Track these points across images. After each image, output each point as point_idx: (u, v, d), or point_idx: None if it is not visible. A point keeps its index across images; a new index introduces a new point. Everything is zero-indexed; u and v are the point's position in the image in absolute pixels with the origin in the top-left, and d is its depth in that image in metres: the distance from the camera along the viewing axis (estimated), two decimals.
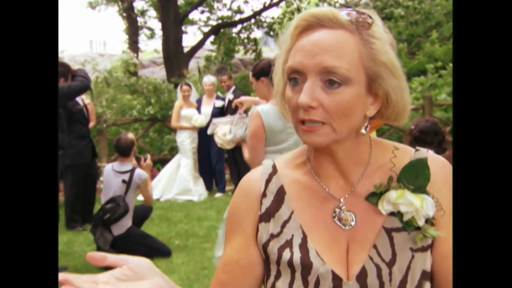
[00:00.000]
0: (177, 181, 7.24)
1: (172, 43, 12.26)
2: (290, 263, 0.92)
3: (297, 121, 0.88)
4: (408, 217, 0.90)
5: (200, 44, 13.58)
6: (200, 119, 7.12)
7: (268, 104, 2.90)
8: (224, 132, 3.18)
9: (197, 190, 7.24)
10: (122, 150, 4.56)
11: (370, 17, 0.89)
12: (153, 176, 7.09)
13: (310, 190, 0.97)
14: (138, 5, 17.11)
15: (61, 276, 0.68)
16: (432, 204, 0.90)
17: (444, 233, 0.90)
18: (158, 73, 15.27)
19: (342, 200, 0.95)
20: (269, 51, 16.36)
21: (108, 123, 8.35)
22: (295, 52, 0.88)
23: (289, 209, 0.96)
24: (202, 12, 15.08)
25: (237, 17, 14.44)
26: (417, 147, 0.99)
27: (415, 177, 0.92)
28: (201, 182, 7.40)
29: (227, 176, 7.79)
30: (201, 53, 15.01)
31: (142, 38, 17.37)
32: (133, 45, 15.69)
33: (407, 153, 0.97)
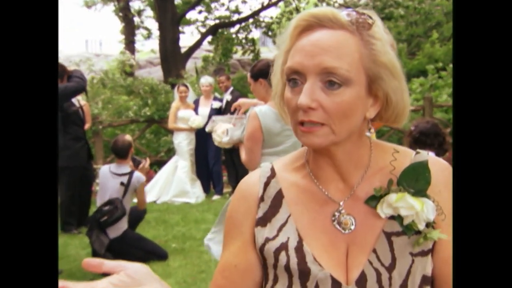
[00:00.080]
0: (174, 183, 7.23)
1: (169, 43, 12.27)
2: (287, 267, 0.92)
3: (296, 122, 0.88)
4: (408, 221, 0.90)
5: (198, 44, 13.59)
6: (197, 120, 7.12)
7: (266, 105, 2.90)
8: (223, 130, 3.18)
9: (194, 192, 7.24)
10: (119, 152, 4.56)
11: (370, 17, 0.89)
12: (149, 178, 7.09)
13: (309, 193, 0.97)
14: (135, 4, 17.11)
15: (60, 283, 0.68)
16: (432, 207, 0.90)
17: (445, 237, 0.90)
18: (155, 74, 15.26)
19: (341, 203, 0.94)
20: (268, 51, 16.38)
21: (104, 124, 8.35)
22: (295, 52, 0.88)
23: (286, 213, 0.96)
24: (200, 12, 15.08)
25: (235, 17, 14.45)
26: (418, 150, 0.99)
27: (415, 180, 0.91)
28: (198, 184, 7.39)
29: (224, 178, 7.79)
30: (199, 53, 15.01)
31: (139, 38, 17.38)
32: (130, 45, 15.69)
33: (407, 156, 0.97)
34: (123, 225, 4.46)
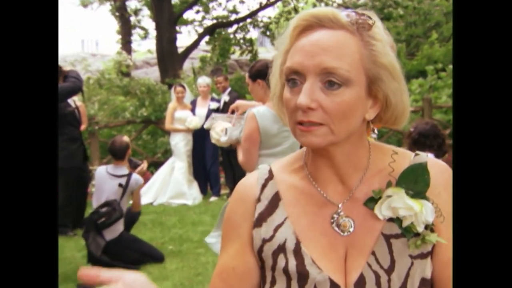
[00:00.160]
0: (171, 184, 7.22)
1: (166, 43, 12.26)
2: (286, 270, 0.92)
3: (295, 122, 0.88)
4: (407, 223, 0.90)
5: (195, 44, 13.59)
6: (194, 121, 7.11)
7: (264, 106, 2.91)
8: (222, 128, 3.17)
9: (192, 194, 7.23)
10: (117, 153, 4.55)
11: (370, 18, 0.89)
12: (146, 180, 7.07)
13: (308, 195, 0.97)
14: (131, 4, 17.11)
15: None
16: (431, 209, 0.90)
17: (444, 239, 0.90)
18: (152, 74, 15.25)
19: (340, 205, 0.95)
20: (265, 51, 16.39)
21: (100, 125, 8.33)
22: (294, 52, 0.88)
23: (283, 214, 0.96)
24: (197, 11, 15.08)
25: (233, 17, 14.45)
26: (417, 152, 0.99)
27: (414, 182, 0.92)
28: (195, 185, 7.39)
29: (222, 180, 7.78)
30: (196, 53, 15.02)
31: (135, 38, 17.37)
32: (126, 45, 15.69)
33: (406, 158, 0.97)
34: (119, 227, 4.45)
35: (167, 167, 7.34)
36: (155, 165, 8.11)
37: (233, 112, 3.31)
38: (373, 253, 0.91)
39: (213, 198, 7.38)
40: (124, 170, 4.52)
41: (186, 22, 15.74)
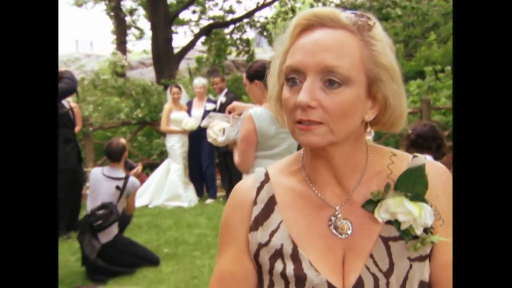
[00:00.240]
0: (166, 186, 7.21)
1: (162, 44, 12.25)
2: (284, 275, 0.92)
3: (294, 122, 0.88)
4: (406, 226, 0.91)
5: (191, 45, 13.57)
6: (190, 123, 7.11)
7: (262, 107, 2.90)
8: (220, 128, 3.16)
9: (187, 196, 7.22)
10: (113, 155, 4.54)
11: (370, 19, 0.90)
12: (141, 182, 7.06)
13: (305, 198, 0.97)
14: (127, 3, 17.08)
15: None
16: (430, 212, 0.91)
17: (443, 241, 0.91)
18: (147, 75, 15.24)
19: (337, 208, 0.95)
20: (262, 52, 16.40)
21: (95, 127, 8.32)
22: (295, 51, 0.89)
23: (278, 219, 0.96)
24: (194, 12, 15.08)
25: (229, 17, 14.46)
26: (415, 154, 1.00)
27: (412, 185, 0.92)
28: (191, 187, 7.38)
29: (218, 182, 7.78)
30: (192, 54, 15.00)
31: (130, 38, 17.34)
32: (121, 45, 15.66)
33: (404, 160, 0.97)
34: (114, 230, 4.44)
35: (163, 169, 7.33)
36: (150, 167, 8.09)
37: (229, 113, 3.31)
38: (371, 256, 0.91)
39: (209, 201, 7.37)
40: (121, 172, 4.52)
41: (182, 22, 15.74)
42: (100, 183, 4.46)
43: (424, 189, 0.92)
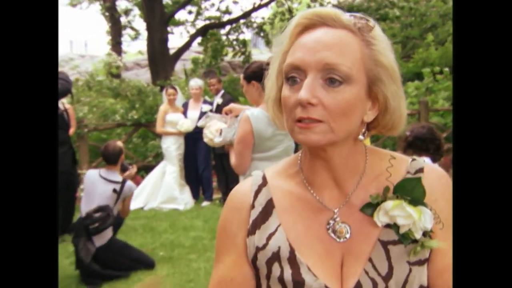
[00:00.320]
0: (162, 189, 7.20)
1: (158, 44, 12.24)
2: (281, 279, 0.92)
3: (293, 120, 0.88)
4: (405, 230, 0.90)
5: (187, 45, 13.58)
6: (186, 124, 7.10)
7: (259, 109, 2.90)
8: (218, 128, 3.16)
9: (183, 199, 7.21)
10: (110, 158, 4.53)
11: (370, 21, 0.91)
12: (137, 184, 7.05)
13: (303, 201, 0.97)
14: (122, 4, 17.08)
15: None
16: (430, 216, 0.90)
17: (443, 246, 0.91)
18: (143, 76, 15.24)
19: (336, 211, 0.95)
20: (259, 53, 16.42)
21: (90, 128, 8.30)
22: (295, 49, 0.89)
23: (276, 222, 0.96)
24: (190, 12, 15.08)
25: (226, 17, 14.46)
26: (414, 157, 1.00)
27: (411, 191, 0.92)
28: (187, 190, 7.37)
29: (214, 184, 7.77)
30: (188, 55, 15.01)
31: (125, 39, 17.33)
32: (116, 46, 15.65)
33: (403, 163, 0.98)
34: (109, 233, 4.43)
35: (158, 171, 7.32)
36: (146, 169, 8.08)
37: (226, 115, 3.30)
38: (370, 260, 0.91)
39: (205, 203, 7.36)
40: (117, 176, 4.51)
41: (178, 23, 15.74)
42: (96, 185, 4.44)
43: (422, 198, 0.92)
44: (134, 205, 6.40)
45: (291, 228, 0.95)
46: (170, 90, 7.32)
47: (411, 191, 0.92)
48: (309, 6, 12.27)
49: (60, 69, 5.78)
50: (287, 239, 0.94)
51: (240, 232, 0.99)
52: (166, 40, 12.59)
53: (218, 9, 14.68)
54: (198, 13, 15.07)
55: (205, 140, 3.25)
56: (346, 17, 0.90)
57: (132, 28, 17.32)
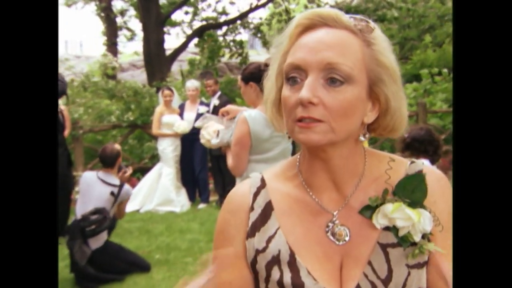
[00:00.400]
0: (158, 191, 7.19)
1: (154, 45, 12.23)
2: (280, 283, 0.92)
3: (293, 120, 0.88)
4: (404, 232, 0.91)
5: (183, 46, 13.57)
6: (182, 126, 7.09)
7: (256, 110, 2.90)
8: (215, 130, 3.15)
9: (180, 201, 7.20)
10: (107, 160, 4.52)
11: (370, 22, 0.91)
12: (132, 186, 7.04)
13: (302, 203, 0.97)
14: (117, 4, 17.08)
15: None
16: (429, 218, 0.91)
17: (440, 248, 0.91)
18: (138, 77, 15.22)
19: (335, 213, 0.95)
20: (256, 54, 16.44)
21: (85, 130, 8.27)
22: (296, 49, 0.89)
23: (275, 225, 0.96)
24: (186, 13, 15.08)
25: (222, 18, 14.47)
26: (413, 159, 1.00)
27: (411, 192, 0.92)
28: (183, 192, 7.36)
29: (211, 186, 7.76)
30: (184, 56, 15.00)
31: (121, 40, 17.32)
32: (112, 47, 15.63)
33: (402, 165, 0.98)
34: (104, 236, 4.42)
35: (154, 173, 7.30)
36: (141, 171, 8.07)
37: (223, 116, 3.30)
38: (370, 263, 0.91)
39: (201, 205, 7.36)
40: (115, 178, 4.50)
41: (174, 24, 15.74)
42: (93, 187, 4.43)
43: (423, 196, 0.92)
44: (130, 207, 6.38)
45: (290, 231, 0.95)
46: (166, 92, 7.31)
47: (412, 190, 0.92)
48: (306, 7, 12.30)
49: None
50: (287, 242, 0.94)
51: (238, 234, 0.98)
52: (162, 41, 12.58)
53: (215, 10, 14.70)
54: (195, 14, 15.09)
55: (202, 141, 3.24)
56: (346, 18, 0.90)
57: (128, 29, 17.32)
